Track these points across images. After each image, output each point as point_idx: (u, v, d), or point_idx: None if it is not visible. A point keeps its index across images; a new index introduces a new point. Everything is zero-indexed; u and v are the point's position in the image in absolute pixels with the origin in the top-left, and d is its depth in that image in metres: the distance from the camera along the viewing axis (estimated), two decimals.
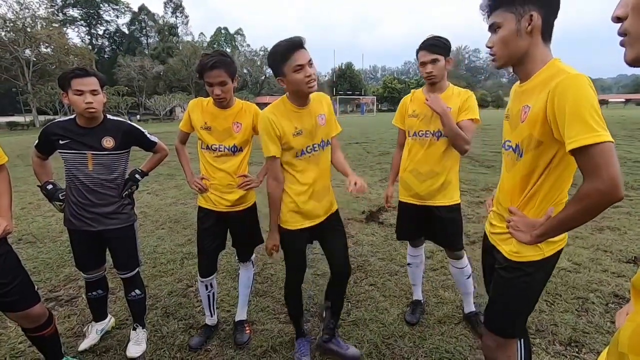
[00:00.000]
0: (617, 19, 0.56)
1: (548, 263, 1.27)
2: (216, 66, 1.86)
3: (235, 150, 2.07)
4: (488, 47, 1.22)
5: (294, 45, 1.56)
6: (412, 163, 2.18)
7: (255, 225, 2.29)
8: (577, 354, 2.02)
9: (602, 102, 64.28)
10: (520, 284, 1.28)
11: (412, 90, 2.26)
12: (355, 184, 1.69)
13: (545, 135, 1.10)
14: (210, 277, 2.23)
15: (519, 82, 1.28)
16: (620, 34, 0.55)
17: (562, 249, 1.28)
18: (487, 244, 1.47)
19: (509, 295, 1.32)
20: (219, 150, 2.05)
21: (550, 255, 1.25)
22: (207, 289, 2.24)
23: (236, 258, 2.36)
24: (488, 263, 1.50)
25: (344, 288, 2.07)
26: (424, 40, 2.03)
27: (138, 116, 39.49)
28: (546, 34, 1.14)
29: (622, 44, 0.55)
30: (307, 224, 1.85)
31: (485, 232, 1.51)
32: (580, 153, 0.99)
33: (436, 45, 1.99)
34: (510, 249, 1.28)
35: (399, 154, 2.34)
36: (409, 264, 2.49)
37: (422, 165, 2.13)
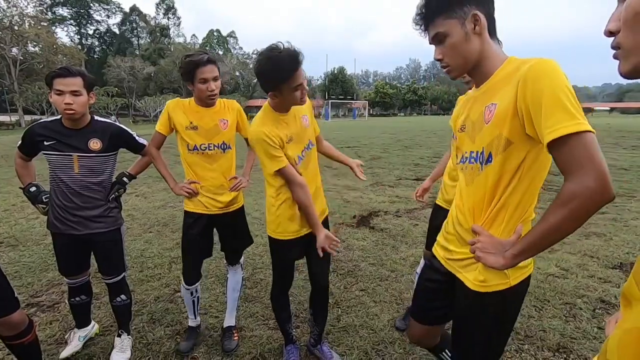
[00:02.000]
0: (610, 33, 0.57)
1: (515, 293, 1.11)
2: (211, 61, 1.88)
3: (225, 147, 2.06)
4: (438, 60, 1.12)
5: (296, 63, 1.48)
6: (451, 164, 2.08)
7: (245, 227, 2.27)
8: None
9: (588, 110, 66.02)
10: (488, 316, 1.13)
11: (468, 92, 2.15)
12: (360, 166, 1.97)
13: (516, 133, 0.97)
14: (196, 285, 2.19)
15: (472, 89, 1.16)
16: (613, 47, 0.56)
17: (529, 276, 1.14)
18: (438, 270, 1.32)
19: (476, 330, 1.17)
20: (209, 149, 2.02)
21: (517, 284, 1.10)
22: (192, 294, 2.20)
23: (225, 262, 2.33)
24: (434, 289, 1.35)
25: (325, 298, 2.03)
26: None
27: (113, 117, 38.38)
28: (492, 29, 1.07)
29: (615, 57, 0.56)
30: (304, 231, 1.79)
31: (432, 254, 1.36)
32: (560, 145, 0.86)
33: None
34: (474, 277, 1.12)
35: (447, 155, 2.25)
36: (417, 272, 2.43)
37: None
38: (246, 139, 2.17)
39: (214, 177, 2.04)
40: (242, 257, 2.35)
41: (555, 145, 0.87)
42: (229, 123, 2.06)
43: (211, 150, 2.02)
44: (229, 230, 2.20)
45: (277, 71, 1.48)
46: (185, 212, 2.13)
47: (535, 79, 0.91)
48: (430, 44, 1.13)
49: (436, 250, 1.35)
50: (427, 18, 1.09)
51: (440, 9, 1.05)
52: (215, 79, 1.92)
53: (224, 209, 2.10)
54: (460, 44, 1.05)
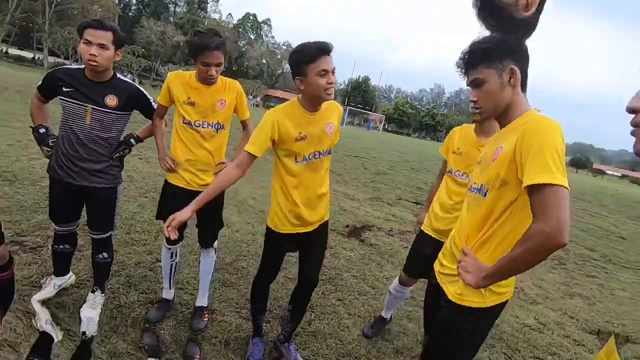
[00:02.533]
0: (632, 111, 0.58)
1: (489, 313, 1.26)
2: (218, 47, 1.87)
3: (219, 127, 2.06)
4: (472, 101, 1.25)
5: (323, 49, 1.56)
6: (444, 196, 2.07)
7: (221, 210, 2.27)
8: None
9: (599, 172, 65.75)
10: (458, 327, 1.27)
11: (464, 124, 2.15)
12: None
13: (511, 175, 1.11)
14: (177, 245, 2.19)
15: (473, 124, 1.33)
16: (633, 124, 0.57)
17: (505, 302, 1.26)
18: (432, 283, 1.46)
19: (445, 336, 1.32)
20: (203, 127, 2.02)
21: (492, 305, 1.23)
22: (171, 257, 2.21)
23: (198, 245, 2.32)
24: (430, 303, 1.50)
25: (308, 296, 2.04)
26: None
27: (129, 75, 37.85)
28: (524, 83, 1.21)
29: (632, 133, 0.57)
30: (300, 229, 1.81)
31: (432, 273, 1.48)
32: (534, 192, 1.01)
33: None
34: (454, 290, 1.27)
35: (437, 183, 2.27)
36: (390, 291, 2.43)
37: (454, 205, 1.99)
38: (242, 121, 2.20)
39: (204, 154, 2.05)
40: (216, 242, 2.34)
41: (531, 191, 1.03)
42: (226, 103, 2.05)
43: (204, 128, 2.02)
44: (208, 212, 2.13)
45: (302, 52, 1.59)
46: (165, 181, 2.16)
47: (531, 133, 1.06)
48: (467, 86, 1.27)
49: (435, 265, 1.47)
50: (469, 64, 1.23)
51: (482, 58, 1.18)
52: (218, 65, 1.91)
53: (204, 187, 2.07)
54: (494, 92, 1.18)
